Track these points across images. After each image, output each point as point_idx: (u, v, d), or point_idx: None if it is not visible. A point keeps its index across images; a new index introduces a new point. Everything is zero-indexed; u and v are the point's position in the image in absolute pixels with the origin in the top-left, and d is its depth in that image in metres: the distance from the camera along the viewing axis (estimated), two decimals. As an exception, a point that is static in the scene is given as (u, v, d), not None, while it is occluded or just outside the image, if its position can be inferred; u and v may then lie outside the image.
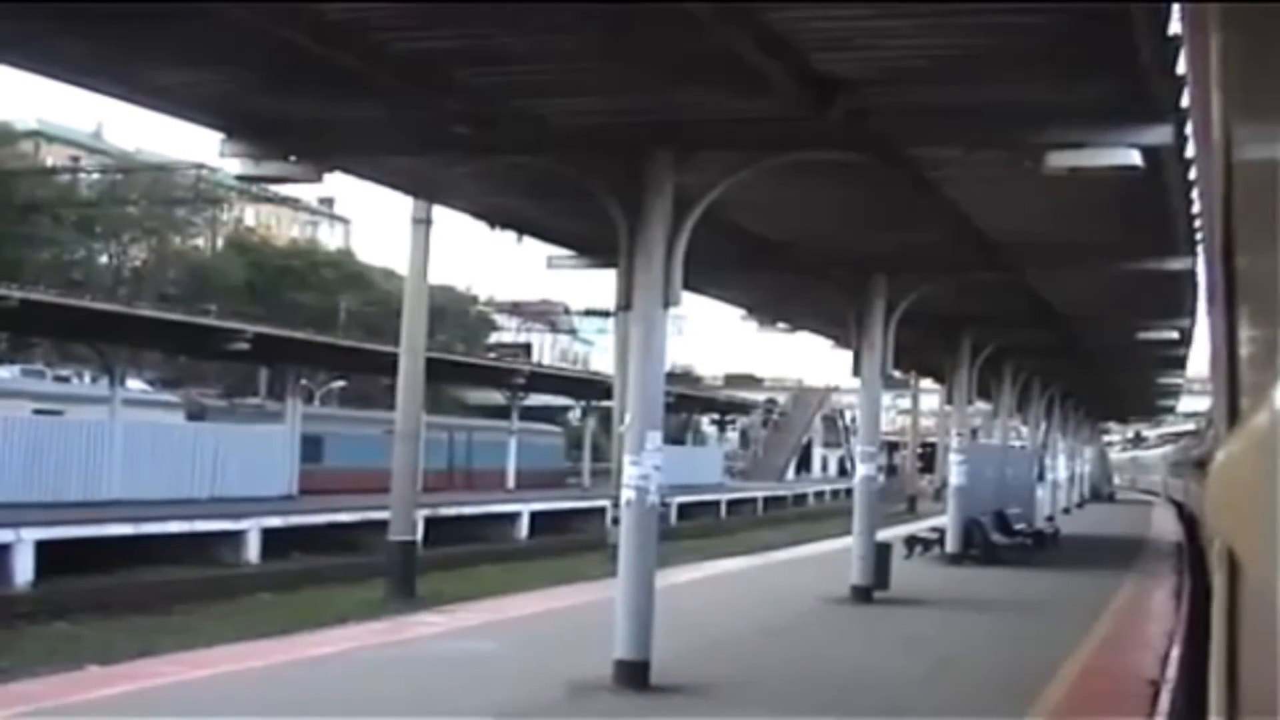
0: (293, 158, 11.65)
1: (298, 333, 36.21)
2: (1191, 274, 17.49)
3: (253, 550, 31.98)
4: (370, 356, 38.28)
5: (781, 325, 23.29)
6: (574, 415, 68.92)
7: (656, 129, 10.63)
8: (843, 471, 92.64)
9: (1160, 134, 10.32)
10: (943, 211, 14.91)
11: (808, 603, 16.66)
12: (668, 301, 10.60)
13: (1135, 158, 10.20)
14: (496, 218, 13.82)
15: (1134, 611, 17.54)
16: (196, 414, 42.62)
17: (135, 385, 46.30)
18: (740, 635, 13.71)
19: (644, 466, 10.46)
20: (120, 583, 26.34)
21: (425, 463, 47.13)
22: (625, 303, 10.69)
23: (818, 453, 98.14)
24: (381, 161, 11.84)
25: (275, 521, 33.01)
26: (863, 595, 16.69)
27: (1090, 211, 14.49)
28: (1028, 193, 13.98)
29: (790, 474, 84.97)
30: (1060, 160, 10.28)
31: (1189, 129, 10.55)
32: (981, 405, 37.31)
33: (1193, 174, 12.30)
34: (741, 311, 23.07)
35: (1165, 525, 40.27)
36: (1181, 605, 18.10)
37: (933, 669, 12.06)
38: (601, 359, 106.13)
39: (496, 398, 55.75)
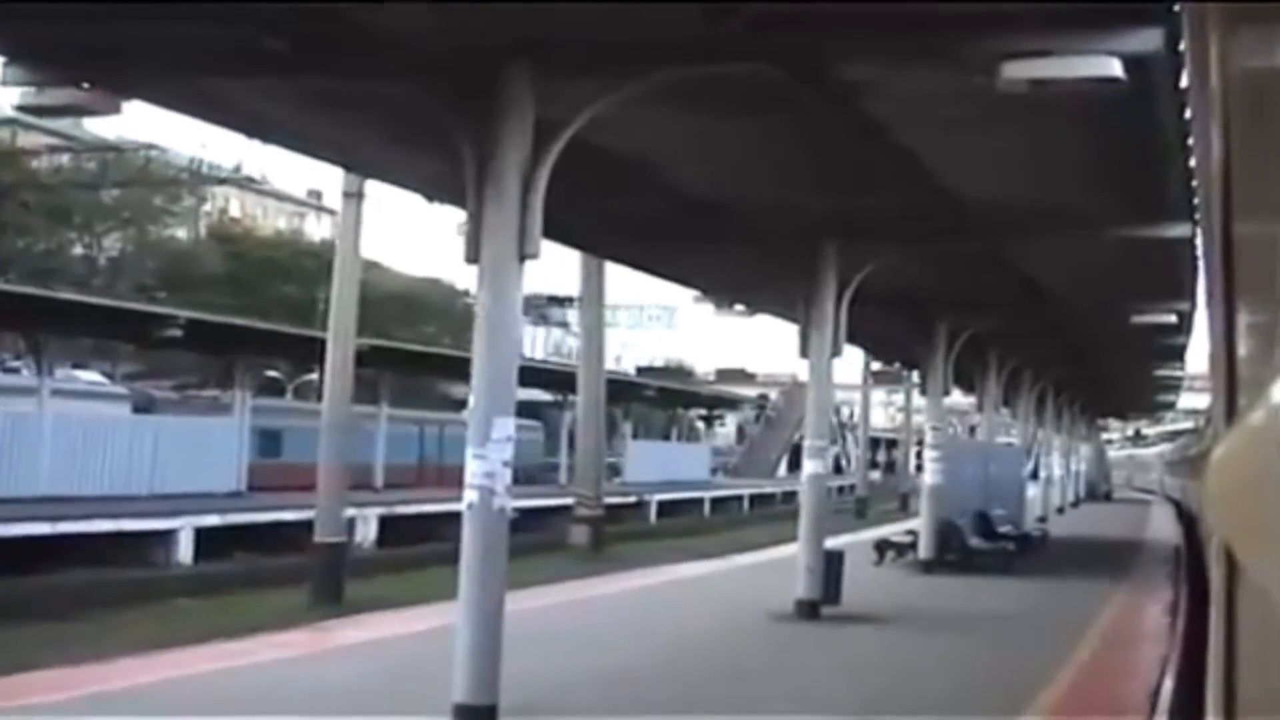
0: (85, 85, 9.50)
1: (237, 319, 34.06)
2: (1190, 242, 15.30)
3: (185, 551, 30.05)
4: (322, 345, 36.10)
5: (739, 308, 21.09)
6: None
7: (510, 39, 8.45)
8: (837, 469, 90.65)
9: (1145, 39, 8.10)
10: (899, 166, 12.75)
11: (748, 618, 14.45)
12: (524, 253, 8.42)
13: (1114, 67, 7.98)
14: (358, 167, 11.62)
15: (1122, 631, 15.31)
16: (144, 406, 40.41)
17: (88, 376, 44.22)
18: (650, 659, 11.53)
19: (490, 461, 8.29)
20: (34, 586, 24.48)
21: (392, 457, 45.38)
22: (472, 254, 8.50)
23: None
24: (189, 88, 9.65)
25: (212, 520, 30.99)
26: (809, 611, 14.46)
27: (1069, 161, 12.32)
28: (994, 139, 11.81)
29: (782, 471, 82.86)
30: (1018, 72, 8.07)
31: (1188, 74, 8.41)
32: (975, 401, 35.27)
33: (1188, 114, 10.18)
34: (694, 293, 20.91)
35: (1162, 526, 38.03)
36: (1177, 623, 15.90)
37: (866, 705, 9.87)
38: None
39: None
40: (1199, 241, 13.80)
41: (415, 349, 43.06)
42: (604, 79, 8.74)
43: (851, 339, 31.37)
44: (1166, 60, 8.73)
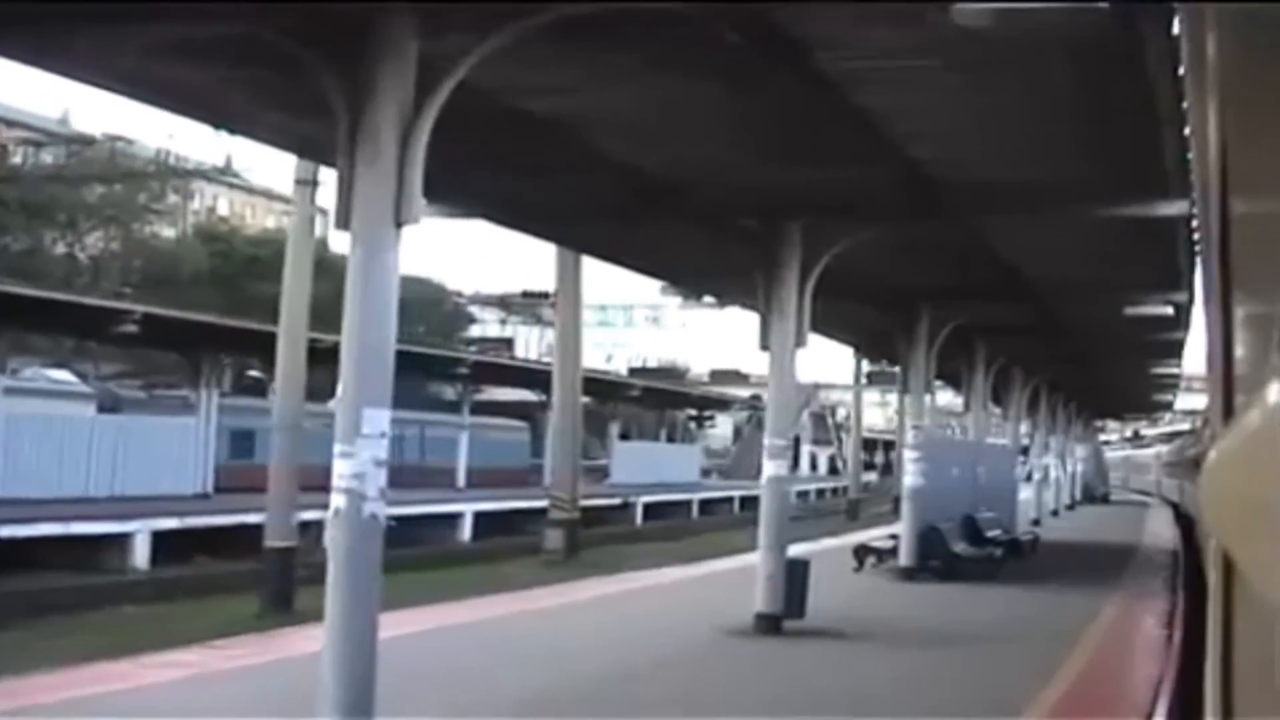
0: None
1: (196, 314, 32.79)
2: (1185, 221, 14.06)
3: (141, 555, 28.96)
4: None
5: (708, 299, 19.78)
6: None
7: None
8: (833, 470, 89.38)
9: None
10: (865, 139, 11.53)
11: (700, 634, 13.19)
12: (401, 218, 7.19)
13: (1091, -6, 6.74)
14: (228, 125, 10.37)
15: (1113, 645, 14.06)
16: (109, 405, 39.14)
17: (58, 375, 42.94)
18: (573, 686, 10.27)
19: (359, 460, 7.06)
20: (-20, 593, 23.42)
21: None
22: (343, 219, 7.26)
23: (806, 450, 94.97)
24: (33, 40, 8.35)
25: (170, 523, 29.80)
26: (769, 626, 13.19)
27: (1050, 127, 11.08)
28: (966, 101, 10.58)
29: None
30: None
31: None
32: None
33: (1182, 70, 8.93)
34: (660, 284, 19.62)
35: (1160, 529, 36.78)
36: (1174, 636, 14.65)
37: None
38: (594, 354, 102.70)
39: (501, 395, 53.05)
40: (1195, 220, 12.60)
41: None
42: (494, 15, 7.49)
43: (832, 333, 30.30)
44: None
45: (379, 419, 7.12)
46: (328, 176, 24.41)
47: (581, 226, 14.93)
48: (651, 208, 13.65)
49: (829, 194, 13.07)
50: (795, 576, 13.51)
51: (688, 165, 12.81)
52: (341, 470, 7.08)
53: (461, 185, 13.19)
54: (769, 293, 13.41)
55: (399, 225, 7.18)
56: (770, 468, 13.47)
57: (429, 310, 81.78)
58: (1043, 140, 11.47)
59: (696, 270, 17.92)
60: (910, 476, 19.88)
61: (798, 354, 13.63)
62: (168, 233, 73.01)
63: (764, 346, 13.51)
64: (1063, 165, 12.28)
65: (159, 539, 29.08)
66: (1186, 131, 10.80)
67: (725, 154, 12.47)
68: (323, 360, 29.94)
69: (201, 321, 33.04)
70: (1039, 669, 11.60)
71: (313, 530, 33.92)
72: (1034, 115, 10.61)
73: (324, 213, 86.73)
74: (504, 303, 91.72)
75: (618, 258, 18.00)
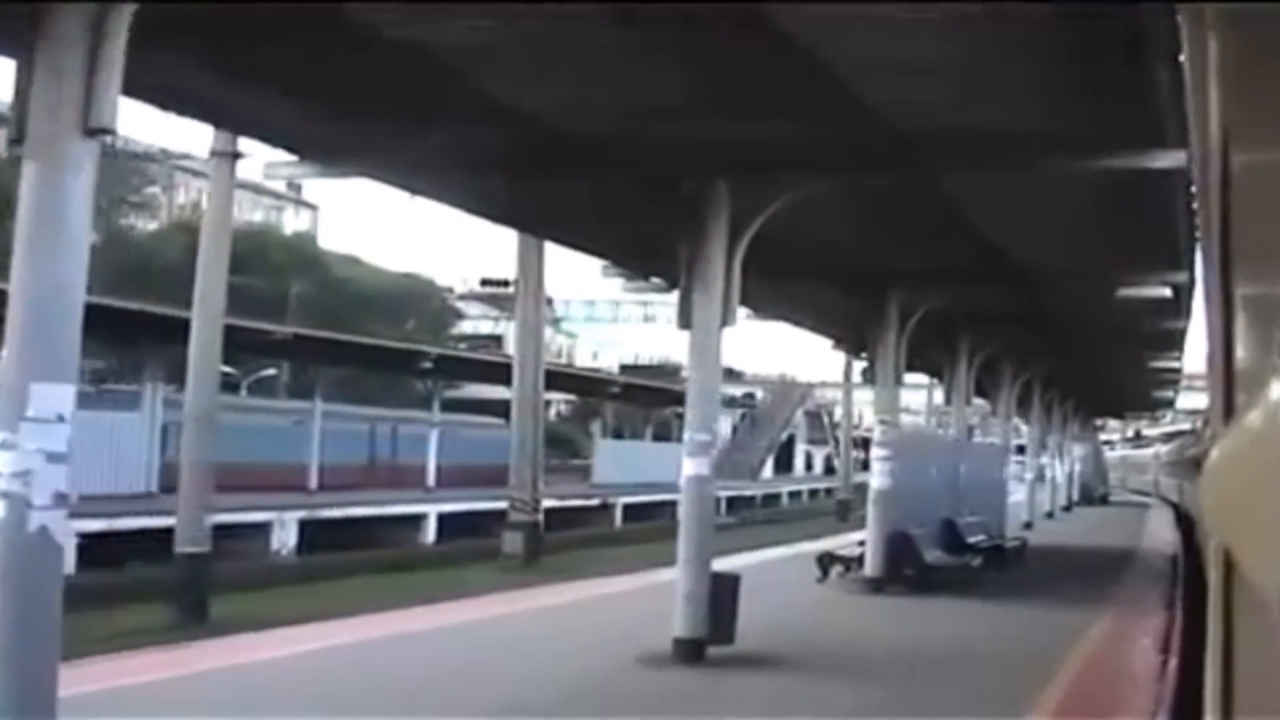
0: None
1: (127, 303, 30.74)
2: (1185, 188, 12.10)
3: (66, 560, 26.94)
4: (250, 332, 32.81)
5: (655, 280, 17.83)
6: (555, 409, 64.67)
7: None
8: (829, 470, 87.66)
9: None
10: (795, 67, 9.56)
11: (610, 661, 11.21)
12: (91, 124, 5.23)
13: None
14: None
15: (1099, 677, 12.05)
16: (55, 401, 37.26)
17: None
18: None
19: (23, 453, 5.10)
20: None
21: (335, 456, 42.46)
22: (17, 131, 5.31)
23: (801, 449, 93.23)
24: None
25: (96, 525, 27.90)
26: (690, 652, 11.19)
27: (1022, 58, 9.11)
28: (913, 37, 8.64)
29: (768, 472, 79.80)
30: None
31: None
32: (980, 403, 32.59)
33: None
34: (602, 264, 17.67)
35: (1159, 532, 34.79)
36: (1170, 662, 12.67)
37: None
38: (582, 350, 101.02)
39: (488, 392, 51.70)
40: (1194, 187, 10.65)
41: (348, 339, 39.76)
42: None
43: (818, 328, 28.27)
44: None
45: (56, 398, 5.16)
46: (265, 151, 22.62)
47: (470, 184, 12.91)
48: (555, 163, 11.66)
49: (759, 144, 11.07)
50: (722, 595, 11.50)
51: (592, 112, 10.83)
52: (1, 465, 5.12)
53: (333, 137, 11.28)
54: (692, 262, 11.40)
55: (90, 134, 5.23)
56: (690, 466, 11.44)
57: (418, 306, 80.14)
58: (1017, 77, 9.49)
59: (619, 240, 15.84)
60: (878, 477, 17.86)
61: (724, 334, 11.61)
62: (153, 226, 71.62)
63: (683, 325, 11.50)
64: (1041, 107, 10.28)
65: (87, 542, 27.25)
66: (1182, 58, 8.87)
67: (635, 96, 10.50)
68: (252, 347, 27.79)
69: (133, 310, 30.91)
70: (1012, 705, 9.62)
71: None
72: (1006, 43, 8.64)
73: (313, 207, 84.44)
74: (495, 298, 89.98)
75: (522, 223, 15.98)
